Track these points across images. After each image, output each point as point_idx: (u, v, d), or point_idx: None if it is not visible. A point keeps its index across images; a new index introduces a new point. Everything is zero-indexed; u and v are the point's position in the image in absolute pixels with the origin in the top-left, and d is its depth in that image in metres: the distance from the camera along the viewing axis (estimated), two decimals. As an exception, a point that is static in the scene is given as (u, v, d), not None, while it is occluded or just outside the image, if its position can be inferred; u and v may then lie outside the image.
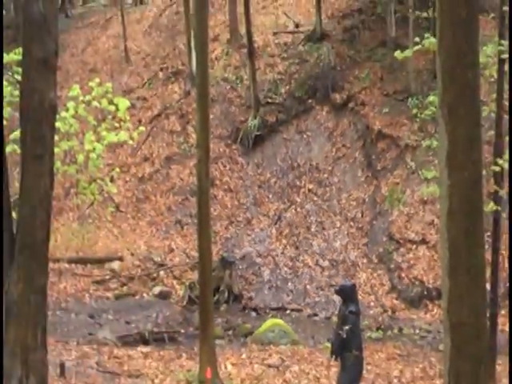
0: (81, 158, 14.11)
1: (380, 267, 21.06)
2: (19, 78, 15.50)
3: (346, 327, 11.02)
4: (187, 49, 29.49)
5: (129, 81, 31.13)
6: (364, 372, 11.72)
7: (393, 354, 16.12)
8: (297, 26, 30.24)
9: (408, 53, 18.60)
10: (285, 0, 33.43)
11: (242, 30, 29.39)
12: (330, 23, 29.01)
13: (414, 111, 23.19)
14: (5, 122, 10.50)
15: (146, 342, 17.06)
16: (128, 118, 14.92)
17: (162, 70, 31.17)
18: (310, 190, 23.98)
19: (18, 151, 14.11)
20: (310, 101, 26.47)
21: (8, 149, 12.71)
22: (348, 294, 11.48)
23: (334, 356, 11.43)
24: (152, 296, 21.55)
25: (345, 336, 11.01)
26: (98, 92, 14.78)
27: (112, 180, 17.48)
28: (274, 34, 30.01)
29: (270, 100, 26.99)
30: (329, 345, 12.68)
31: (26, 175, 9.12)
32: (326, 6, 29.44)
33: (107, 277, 22.69)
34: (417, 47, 17.97)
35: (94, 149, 14.38)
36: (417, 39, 18.78)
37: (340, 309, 11.78)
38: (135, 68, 31.94)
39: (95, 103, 14.66)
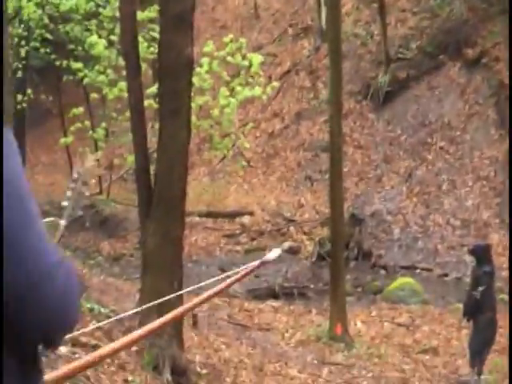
0: (215, 112, 14.23)
1: (514, 229, 20.50)
2: (154, 34, 15.83)
3: (480, 288, 10.83)
4: (316, 4, 29.30)
5: (258, 37, 31.18)
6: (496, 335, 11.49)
7: (526, 318, 15.70)
8: (429, -22, 29.51)
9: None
10: (416, -48, 32.62)
11: (373, -16, 28.95)
12: (463, -24, 28.17)
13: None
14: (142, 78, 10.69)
15: (275, 297, 17.24)
16: (261, 73, 14.96)
17: (291, 26, 31.08)
18: (441, 148, 23.50)
19: (154, 106, 14.45)
20: (441, 56, 25.83)
21: (145, 104, 12.99)
22: (482, 254, 11.28)
23: (466, 317, 11.28)
24: (281, 251, 21.73)
25: (478, 297, 10.83)
26: (231, 48, 14.88)
27: (244, 135, 17.64)
28: (406, -13, 29.38)
29: (400, 56, 26.51)
30: (460, 305, 12.50)
31: (164, 129, 9.28)
32: (459, -43, 28.56)
33: (237, 231, 23.03)
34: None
35: (229, 104, 14.50)
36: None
37: (473, 269, 11.58)
38: (264, 24, 31.96)
39: (229, 59, 14.76)
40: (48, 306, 1.71)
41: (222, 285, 3.59)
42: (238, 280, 3.64)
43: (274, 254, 3.48)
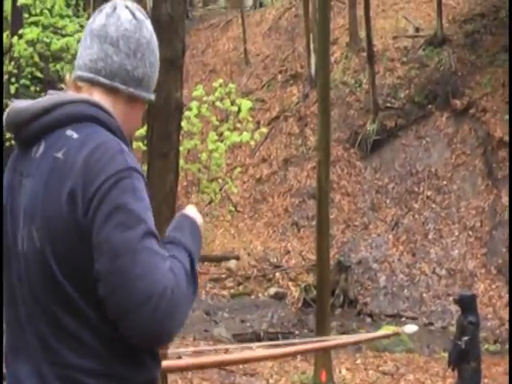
0: (204, 156, 14.25)
1: (499, 279, 20.53)
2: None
3: (465, 338, 10.81)
4: (306, 52, 29.59)
5: (248, 82, 31.39)
6: (481, 385, 11.46)
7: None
8: (417, 30, 29.85)
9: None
10: (405, 4, 33.11)
11: (362, 33, 29.28)
12: (450, 27, 28.55)
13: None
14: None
15: (260, 342, 17.10)
16: (250, 119, 15.00)
17: (280, 72, 31.32)
18: (428, 197, 23.61)
19: (143, 148, 14.46)
20: (429, 106, 26.07)
21: (133, 145, 13.01)
22: (467, 303, 11.26)
23: (451, 366, 11.24)
24: (267, 296, 21.67)
25: (463, 347, 10.80)
26: (220, 92, 14.93)
27: (232, 180, 17.65)
28: (394, 37, 29.71)
29: (389, 104, 26.73)
30: (445, 355, 12.47)
31: (152, 172, 9.30)
32: (446, 10, 28.93)
33: (223, 275, 22.95)
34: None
35: (217, 148, 14.52)
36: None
37: (459, 319, 11.57)
38: (254, 70, 32.20)
39: (218, 103, 14.79)
40: (143, 327, 2.08)
41: (352, 339, 3.65)
42: (368, 339, 3.79)
43: (412, 328, 3.63)
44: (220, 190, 17.01)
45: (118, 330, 2.14)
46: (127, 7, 2.40)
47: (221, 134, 14.82)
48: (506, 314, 19.45)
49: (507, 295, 20.00)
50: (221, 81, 15.04)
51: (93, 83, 2.37)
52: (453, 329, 17.94)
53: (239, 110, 14.83)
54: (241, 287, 22.42)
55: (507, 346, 17.69)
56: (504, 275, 20.53)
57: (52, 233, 2.14)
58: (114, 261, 2.05)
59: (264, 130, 15.71)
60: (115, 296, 2.07)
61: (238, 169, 21.19)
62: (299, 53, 31.24)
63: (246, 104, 14.82)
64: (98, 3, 32.91)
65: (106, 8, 2.40)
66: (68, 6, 20.69)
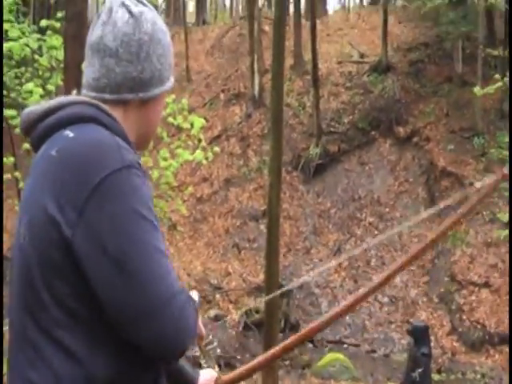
0: (155, 174, 13.75)
1: (440, 307, 20.50)
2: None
3: (419, 370, 10.63)
4: (250, 71, 29.41)
5: (190, 100, 30.93)
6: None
7: (456, 399, 15.61)
8: (361, 56, 30.00)
9: (489, 89, 18.22)
10: (349, 30, 33.32)
11: (306, 56, 29.27)
12: (395, 55, 28.79)
13: (485, 151, 22.87)
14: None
15: (201, 366, 16.60)
16: (202, 136, 14.60)
17: (223, 91, 31.04)
18: (370, 223, 23.52)
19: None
20: (373, 132, 26.12)
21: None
22: (420, 334, 11.14)
23: (404, 398, 11.03)
24: (207, 319, 21.15)
25: (418, 379, 10.62)
26: (172, 108, 14.47)
27: (181, 199, 17.13)
28: (339, 62, 29.82)
29: (332, 129, 26.67)
30: (391, 384, 12.26)
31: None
32: (391, 37, 29.19)
33: (162, 297, 22.39)
34: (498, 84, 17.60)
35: (170, 166, 14.05)
36: (497, 76, 18.46)
37: (411, 349, 11.39)
38: (196, 88, 31.85)
39: (170, 119, 14.32)
40: (161, 332, 1.99)
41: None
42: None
43: None
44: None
45: (124, 337, 2.03)
46: (123, 4, 2.23)
47: (172, 152, 14.36)
48: (447, 343, 19.42)
49: (449, 323, 19.99)
50: (173, 96, 14.60)
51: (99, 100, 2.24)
52: (395, 357, 17.86)
53: (192, 127, 14.41)
54: (180, 309, 21.86)
55: (452, 376, 17.70)
56: (446, 304, 20.52)
57: (35, 233, 2.06)
58: (125, 265, 1.97)
59: (217, 148, 15.18)
60: (127, 300, 1.97)
61: (190, 188, 20.62)
62: (242, 72, 31.03)
63: (198, 121, 14.38)
64: (37, 11, 32.19)
65: (102, 14, 2.23)
66: (10, 11, 20.04)
